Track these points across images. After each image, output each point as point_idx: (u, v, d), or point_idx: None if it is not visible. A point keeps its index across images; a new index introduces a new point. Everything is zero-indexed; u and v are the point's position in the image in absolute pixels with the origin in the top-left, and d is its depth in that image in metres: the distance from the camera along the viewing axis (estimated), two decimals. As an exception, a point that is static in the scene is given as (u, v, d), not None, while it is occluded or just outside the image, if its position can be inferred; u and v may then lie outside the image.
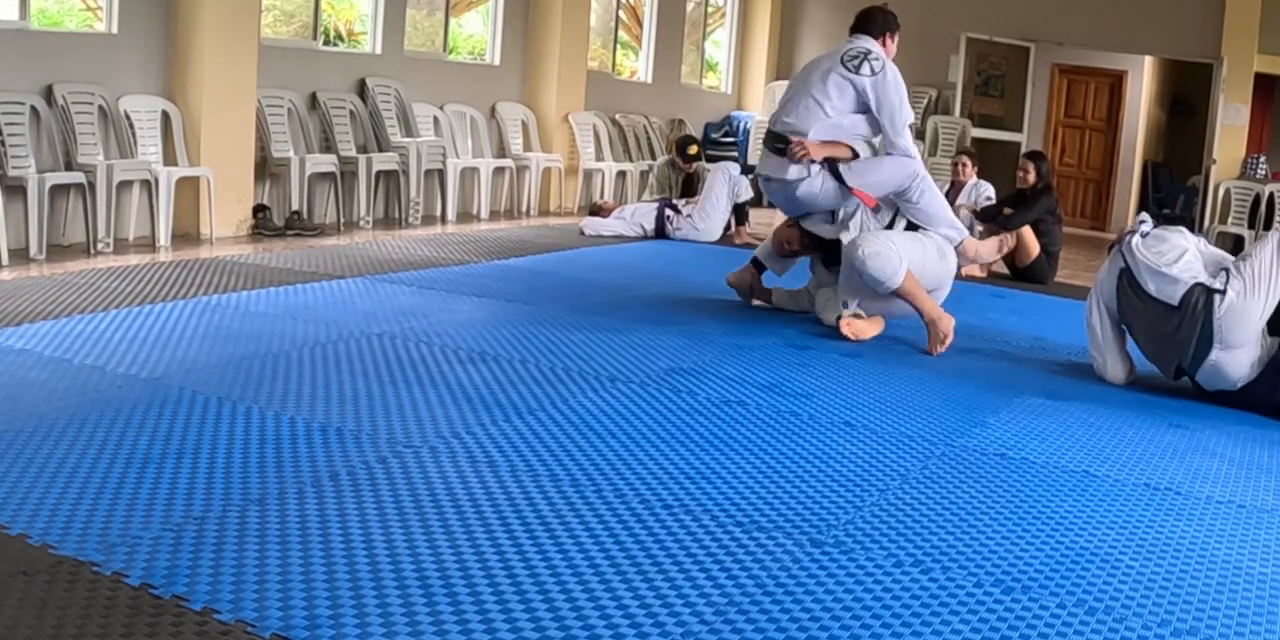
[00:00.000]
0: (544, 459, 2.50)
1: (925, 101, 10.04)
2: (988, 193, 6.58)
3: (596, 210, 7.16)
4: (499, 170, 7.71)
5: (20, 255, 4.79)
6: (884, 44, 4.15)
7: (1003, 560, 2.10)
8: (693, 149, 7.23)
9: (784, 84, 10.57)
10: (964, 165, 6.60)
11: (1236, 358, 3.38)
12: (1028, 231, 6.14)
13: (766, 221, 7.49)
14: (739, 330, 4.07)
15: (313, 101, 6.46)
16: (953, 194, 6.63)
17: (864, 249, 3.86)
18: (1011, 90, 9.74)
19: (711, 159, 9.03)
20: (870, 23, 4.17)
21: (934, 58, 9.82)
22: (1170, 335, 3.45)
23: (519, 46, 8.11)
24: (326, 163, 6.28)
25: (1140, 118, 10.26)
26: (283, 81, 6.20)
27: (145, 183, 5.34)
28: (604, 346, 3.66)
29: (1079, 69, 10.33)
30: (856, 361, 3.76)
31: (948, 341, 3.95)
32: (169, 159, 5.55)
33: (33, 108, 4.94)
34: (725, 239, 6.85)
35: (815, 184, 4.06)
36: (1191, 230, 3.80)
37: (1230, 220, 8.35)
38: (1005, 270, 6.36)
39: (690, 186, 7.22)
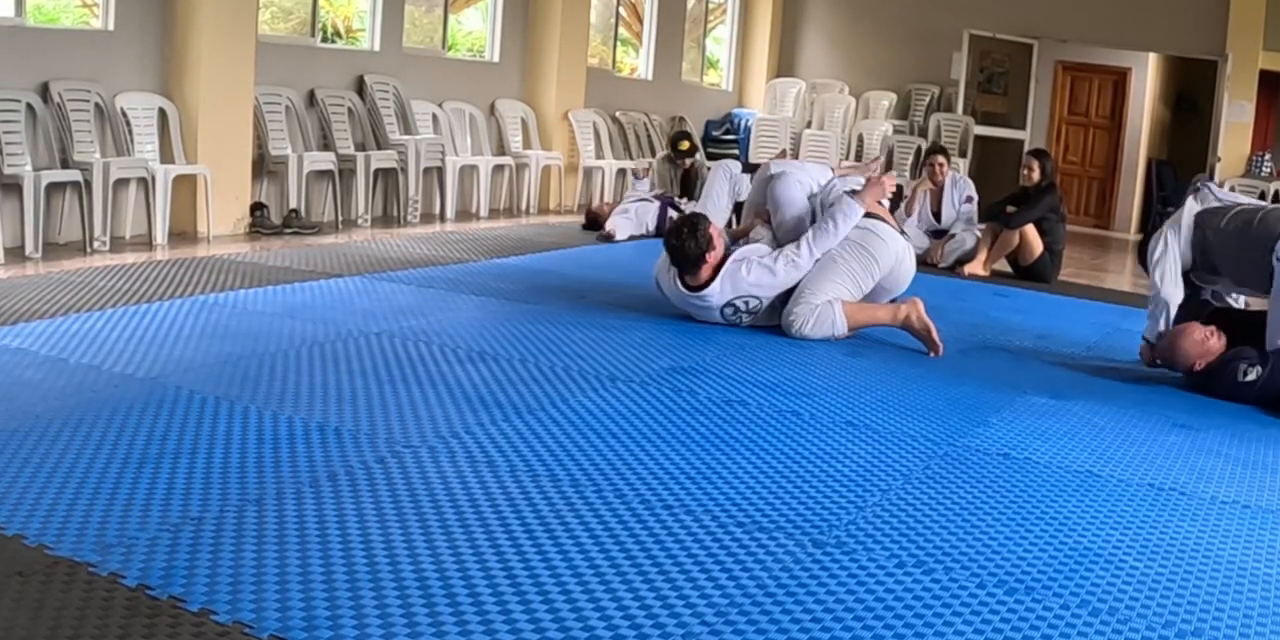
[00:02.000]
0: (544, 459, 2.49)
1: (928, 99, 10.02)
2: (968, 192, 6.54)
3: (594, 215, 7.10)
4: (498, 168, 7.69)
5: (16, 253, 4.78)
6: (709, 261, 3.88)
7: (1006, 561, 2.09)
8: (684, 144, 7.19)
9: (785, 81, 10.60)
10: (939, 165, 6.55)
11: None
12: (1031, 230, 6.12)
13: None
14: (740, 329, 4.06)
15: (311, 99, 6.44)
16: (936, 197, 6.58)
17: (796, 325, 3.90)
18: (1015, 87, 9.71)
19: (713, 156, 9.02)
20: (690, 264, 3.89)
21: (936, 55, 9.80)
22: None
23: (518, 43, 8.09)
24: (324, 160, 6.26)
25: (1144, 115, 10.22)
26: (280, 79, 6.18)
27: (142, 181, 5.32)
28: (604, 345, 3.65)
29: (1083, 66, 10.30)
30: (858, 360, 3.74)
31: (933, 330, 3.89)
32: (166, 157, 5.53)
33: (28, 105, 4.92)
34: (725, 237, 6.82)
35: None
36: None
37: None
38: (1008, 269, 6.34)
39: (689, 184, 7.20)
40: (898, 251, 4.04)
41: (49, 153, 5.03)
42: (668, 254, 3.97)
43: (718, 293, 3.94)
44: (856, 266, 3.96)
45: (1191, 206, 3.75)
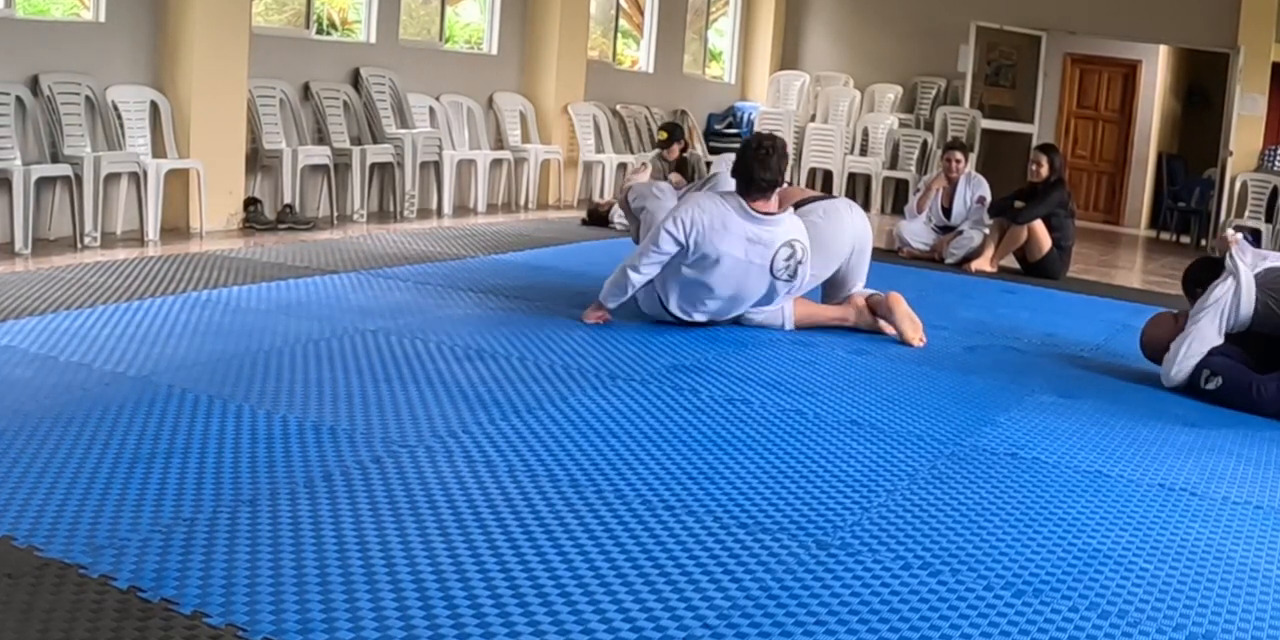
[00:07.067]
0: (543, 459, 2.47)
1: (934, 92, 9.96)
2: (981, 192, 6.49)
3: (595, 209, 7.07)
4: (496, 162, 7.66)
5: (5, 249, 4.74)
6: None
7: (1013, 563, 2.07)
8: (661, 134, 7.11)
9: (789, 74, 10.55)
10: (956, 161, 6.49)
11: None
12: (1039, 226, 6.07)
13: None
14: (742, 326, 4.03)
15: (305, 92, 6.40)
16: (949, 194, 6.54)
17: (751, 320, 4.00)
18: (1022, 80, 9.63)
19: (714, 150, 8.98)
20: (772, 184, 3.62)
21: (943, 47, 9.73)
22: None
23: (517, 35, 8.04)
24: (319, 155, 6.21)
25: (1155, 109, 10.15)
26: (275, 71, 6.13)
27: (133, 175, 5.27)
28: (604, 343, 3.62)
29: (1092, 58, 10.24)
30: (863, 359, 3.72)
31: (884, 326, 3.95)
32: (158, 151, 5.49)
33: (18, 98, 4.87)
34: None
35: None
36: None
37: (1247, 214, 8.25)
38: (1016, 265, 6.30)
39: (688, 177, 7.15)
40: (841, 222, 4.03)
41: (39, 147, 4.99)
42: (753, 165, 3.45)
43: (787, 221, 3.55)
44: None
45: (1245, 271, 3.50)
